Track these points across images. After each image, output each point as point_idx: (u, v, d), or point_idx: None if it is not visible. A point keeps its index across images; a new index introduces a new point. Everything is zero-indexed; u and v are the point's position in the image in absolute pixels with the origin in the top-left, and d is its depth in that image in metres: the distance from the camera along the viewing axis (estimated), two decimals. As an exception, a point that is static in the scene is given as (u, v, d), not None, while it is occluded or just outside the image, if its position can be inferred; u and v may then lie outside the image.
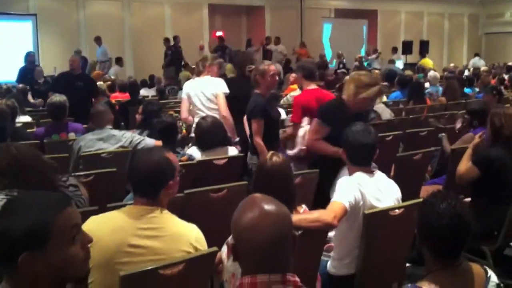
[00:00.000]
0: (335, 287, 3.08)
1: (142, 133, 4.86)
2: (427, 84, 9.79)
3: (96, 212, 2.54)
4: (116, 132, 4.66)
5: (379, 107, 6.91)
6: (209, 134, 4.38)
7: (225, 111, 5.18)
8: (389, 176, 3.30)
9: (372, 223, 2.90)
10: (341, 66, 16.47)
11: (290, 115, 5.42)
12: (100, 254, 2.20)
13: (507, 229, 3.65)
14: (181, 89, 11.00)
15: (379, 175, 3.10)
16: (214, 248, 2.36)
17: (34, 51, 11.37)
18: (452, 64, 17.08)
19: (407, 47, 19.31)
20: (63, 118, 5.43)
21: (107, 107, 5.00)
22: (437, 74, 10.98)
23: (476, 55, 18.74)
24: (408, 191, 3.52)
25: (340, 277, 3.05)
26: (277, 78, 4.88)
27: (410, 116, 6.86)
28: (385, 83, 10.40)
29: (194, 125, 4.88)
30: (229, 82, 5.53)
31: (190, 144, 4.92)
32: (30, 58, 10.79)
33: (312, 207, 3.39)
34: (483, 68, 14.38)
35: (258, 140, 4.48)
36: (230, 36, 17.68)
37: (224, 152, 4.46)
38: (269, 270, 1.64)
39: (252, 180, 2.93)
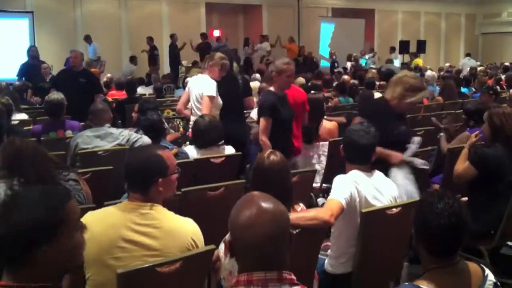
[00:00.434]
0: (332, 285, 3.08)
1: (139, 131, 4.85)
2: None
3: (93, 210, 2.54)
4: (113, 130, 4.66)
5: None
6: (206, 133, 4.36)
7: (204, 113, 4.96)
8: (386, 175, 3.31)
9: (369, 221, 2.90)
10: (336, 65, 16.50)
11: None
12: (95, 249, 2.21)
13: (504, 228, 3.66)
14: (178, 87, 11.04)
15: (376, 173, 3.11)
16: (212, 246, 2.36)
17: (36, 46, 10.81)
18: (447, 64, 17.12)
19: (404, 47, 19.34)
20: (60, 115, 5.42)
21: (106, 105, 5.00)
22: (435, 74, 11.02)
23: (467, 55, 18.76)
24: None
25: (337, 276, 3.06)
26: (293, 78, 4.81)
27: (407, 115, 6.86)
28: (383, 82, 10.43)
29: (191, 122, 4.87)
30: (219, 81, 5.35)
31: (187, 143, 4.92)
32: (33, 53, 10.26)
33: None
34: (480, 68, 14.41)
35: (263, 139, 4.36)
36: (227, 34, 17.67)
37: (221, 151, 4.46)
38: (265, 268, 1.65)
39: (250, 178, 2.93)
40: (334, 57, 17.30)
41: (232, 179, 3.87)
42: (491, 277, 2.08)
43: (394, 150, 3.71)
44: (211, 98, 5.04)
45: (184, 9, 17.13)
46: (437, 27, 23.71)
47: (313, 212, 2.80)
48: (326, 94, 8.48)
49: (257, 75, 10.44)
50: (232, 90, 5.50)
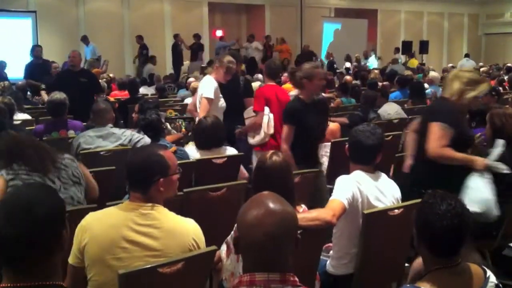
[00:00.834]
0: (334, 286, 3.08)
1: (140, 131, 4.86)
2: (426, 85, 9.79)
3: (94, 210, 2.54)
4: (116, 130, 4.66)
5: (391, 106, 6.94)
6: (208, 134, 4.34)
7: (200, 114, 5.02)
8: (388, 176, 3.31)
9: (371, 222, 2.90)
10: (334, 66, 16.50)
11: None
12: (96, 249, 2.23)
13: (506, 229, 3.65)
14: (181, 87, 11.04)
15: (379, 174, 3.11)
16: (213, 247, 2.36)
17: (40, 44, 10.69)
18: (450, 65, 17.10)
19: (406, 47, 19.32)
20: (62, 115, 5.42)
21: (108, 105, 5.00)
22: (438, 75, 11.00)
23: (466, 56, 18.73)
24: (406, 191, 3.52)
25: (338, 277, 3.06)
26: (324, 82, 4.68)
27: (410, 117, 6.86)
28: (386, 83, 10.42)
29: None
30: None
31: (189, 143, 4.92)
32: (37, 53, 10.10)
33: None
34: (482, 69, 14.38)
35: (284, 147, 4.18)
36: (230, 34, 17.69)
37: (222, 152, 4.43)
38: (268, 269, 1.65)
39: (252, 179, 2.93)
40: (331, 58, 17.27)
41: (234, 180, 3.87)
42: (492, 278, 2.09)
43: (465, 152, 3.56)
44: (208, 99, 5.05)
45: (187, 8, 17.14)
46: (440, 27, 23.68)
47: (315, 213, 2.79)
48: (329, 95, 8.48)
49: (260, 76, 10.43)
50: (232, 90, 5.53)
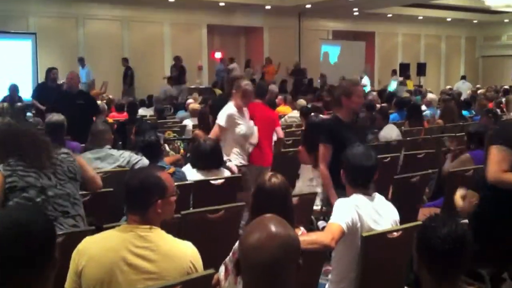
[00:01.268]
0: (333, 310, 3.05)
1: (138, 153, 4.86)
2: (423, 107, 9.84)
3: (92, 233, 2.54)
4: (114, 151, 4.66)
5: (392, 129, 6.97)
6: (206, 157, 4.43)
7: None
8: (386, 198, 3.30)
9: (369, 245, 2.88)
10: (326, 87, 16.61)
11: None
12: (95, 272, 2.21)
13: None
14: (179, 109, 11.06)
15: (377, 197, 3.09)
16: (211, 270, 2.35)
17: (56, 68, 10.36)
18: (448, 86, 17.19)
19: (404, 69, 19.44)
20: (61, 137, 5.42)
21: (107, 126, 5.01)
22: (435, 97, 11.07)
23: (462, 78, 18.86)
24: (405, 214, 3.51)
25: (337, 300, 3.03)
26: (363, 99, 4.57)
27: (408, 138, 6.88)
28: (384, 104, 10.46)
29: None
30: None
31: (188, 164, 4.91)
32: (53, 75, 9.90)
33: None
34: (480, 91, 14.46)
35: (322, 167, 4.02)
36: (228, 56, 17.79)
37: (220, 174, 4.49)
38: None
39: (251, 201, 2.92)
40: (324, 77, 17.34)
41: (232, 202, 3.86)
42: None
43: None
44: (219, 126, 5.17)
45: (186, 30, 17.28)
46: (438, 50, 23.88)
47: (314, 236, 2.78)
48: (327, 116, 8.49)
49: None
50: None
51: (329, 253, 3.07)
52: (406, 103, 9.21)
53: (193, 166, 4.51)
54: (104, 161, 4.53)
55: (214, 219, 3.42)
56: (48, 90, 9.62)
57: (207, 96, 11.47)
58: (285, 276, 1.65)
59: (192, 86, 15.19)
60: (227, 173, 4.57)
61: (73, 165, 3.23)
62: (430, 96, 10.84)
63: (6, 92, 10.88)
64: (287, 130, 7.66)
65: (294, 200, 3.49)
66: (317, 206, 4.75)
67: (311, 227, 4.50)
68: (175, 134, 7.02)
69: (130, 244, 2.25)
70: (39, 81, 13.84)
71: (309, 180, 5.12)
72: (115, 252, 2.24)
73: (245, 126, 5.21)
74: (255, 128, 5.43)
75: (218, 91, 13.13)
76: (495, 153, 3.26)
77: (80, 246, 2.30)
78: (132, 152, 4.78)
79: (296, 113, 8.96)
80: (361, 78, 17.55)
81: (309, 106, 9.05)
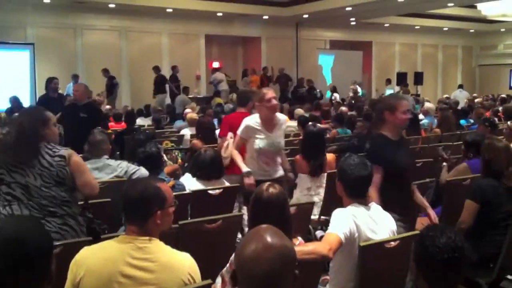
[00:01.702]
0: (331, 320, 3.04)
1: (134, 163, 4.85)
2: (421, 116, 9.86)
3: (90, 243, 2.53)
4: (112, 162, 4.65)
5: None
6: (207, 167, 4.47)
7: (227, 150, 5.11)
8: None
9: (367, 255, 2.88)
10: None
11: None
12: (93, 284, 2.20)
13: (503, 261, 3.63)
14: (177, 119, 11.06)
15: (374, 206, 3.10)
16: (208, 281, 2.34)
17: (56, 77, 9.79)
18: (445, 95, 17.24)
19: (401, 78, 19.50)
20: (58, 147, 5.41)
21: (105, 136, 5.00)
22: (433, 106, 11.08)
23: (460, 86, 18.92)
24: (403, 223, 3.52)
25: (335, 310, 3.02)
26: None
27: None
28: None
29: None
30: None
31: (186, 174, 4.92)
32: (54, 85, 9.38)
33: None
34: (477, 100, 14.51)
35: (373, 193, 3.52)
36: (226, 65, 17.86)
37: (221, 183, 4.51)
38: None
39: (248, 211, 2.92)
40: (311, 84, 17.39)
41: (229, 212, 3.86)
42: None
43: None
44: (238, 136, 4.77)
45: (184, 41, 17.34)
46: (434, 59, 23.99)
47: (311, 246, 2.78)
48: (325, 126, 8.51)
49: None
50: None
51: (327, 263, 3.06)
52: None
53: (193, 175, 4.53)
54: (102, 171, 4.53)
55: (212, 229, 3.42)
56: (50, 101, 9.07)
57: (205, 106, 11.49)
58: (282, 286, 1.65)
59: (190, 96, 15.22)
60: (227, 184, 4.58)
61: (64, 170, 3.21)
62: (427, 105, 10.86)
63: (5, 103, 10.87)
64: (285, 140, 7.65)
65: (292, 209, 3.49)
66: (314, 215, 4.74)
67: (309, 237, 4.50)
68: (173, 144, 7.03)
69: (128, 256, 2.25)
70: (37, 91, 13.87)
71: (306, 190, 5.12)
72: (113, 263, 2.23)
73: (264, 140, 4.64)
74: (231, 140, 5.20)
75: (219, 100, 13.16)
76: None
77: (78, 256, 2.29)
78: (130, 162, 4.78)
79: (293, 123, 8.97)
80: (353, 85, 17.62)
81: (307, 115, 9.07)
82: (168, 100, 14.76)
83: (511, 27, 21.76)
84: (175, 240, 3.00)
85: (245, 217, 2.67)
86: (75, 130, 6.02)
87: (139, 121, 10.43)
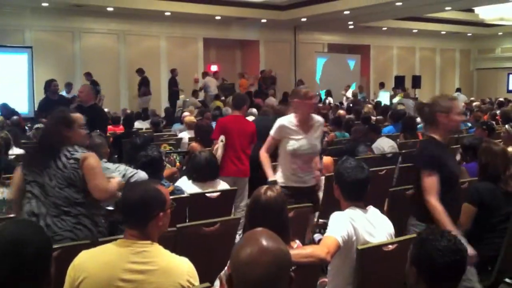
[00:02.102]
0: (329, 323, 3.04)
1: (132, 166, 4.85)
2: (419, 119, 9.85)
3: (88, 246, 2.53)
4: (110, 165, 4.64)
5: (384, 141, 6.98)
6: (203, 169, 4.49)
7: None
8: (382, 211, 3.30)
9: (365, 258, 2.88)
10: (327, 101, 16.69)
11: None
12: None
13: (501, 264, 3.64)
14: (175, 122, 11.05)
15: (372, 210, 3.10)
16: (206, 284, 2.34)
17: (55, 79, 9.81)
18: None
19: (399, 82, 19.53)
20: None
21: (103, 139, 5.00)
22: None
23: (458, 90, 18.96)
24: (401, 226, 3.52)
25: (333, 313, 3.02)
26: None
27: (403, 151, 6.90)
28: (380, 117, 10.49)
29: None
30: None
31: (183, 177, 4.93)
32: (54, 87, 9.26)
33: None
34: (475, 103, 14.54)
35: (432, 200, 3.30)
36: (224, 69, 17.87)
37: (216, 184, 4.52)
38: None
39: (246, 214, 2.92)
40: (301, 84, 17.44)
41: (227, 215, 3.86)
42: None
43: None
44: (270, 136, 4.56)
45: (182, 44, 17.34)
46: (432, 62, 24.03)
47: (309, 249, 2.78)
48: (323, 129, 8.51)
49: (254, 110, 10.50)
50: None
51: (325, 265, 3.06)
52: (401, 115, 9.24)
53: (189, 177, 4.57)
54: (100, 174, 4.52)
55: (210, 232, 3.42)
56: (51, 104, 8.82)
57: (203, 109, 11.50)
58: None
59: (188, 99, 15.23)
60: (223, 184, 4.60)
61: (76, 172, 3.24)
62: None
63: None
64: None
65: (290, 213, 3.49)
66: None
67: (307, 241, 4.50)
68: (171, 147, 7.02)
69: (127, 260, 2.25)
70: (35, 95, 13.86)
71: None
72: (113, 267, 2.23)
73: (299, 142, 4.39)
74: (221, 144, 5.48)
75: (218, 104, 13.15)
76: None
77: (76, 261, 2.29)
78: (127, 165, 4.77)
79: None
80: (346, 90, 17.64)
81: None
82: (165, 103, 14.72)
83: (508, 30, 21.81)
84: (173, 244, 3.00)
85: (217, 283, 2.65)
86: None
87: (137, 124, 10.44)
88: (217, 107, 11.67)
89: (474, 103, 14.68)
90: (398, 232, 3.18)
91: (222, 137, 5.56)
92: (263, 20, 17.45)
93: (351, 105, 14.40)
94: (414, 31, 21.27)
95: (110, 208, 3.65)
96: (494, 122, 9.12)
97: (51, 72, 14.38)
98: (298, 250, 2.79)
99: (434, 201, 3.28)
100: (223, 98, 14.52)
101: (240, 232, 3.95)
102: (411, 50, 23.22)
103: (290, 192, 4.25)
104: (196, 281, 2.31)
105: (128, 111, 12.22)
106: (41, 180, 3.26)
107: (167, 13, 15.55)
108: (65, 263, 2.27)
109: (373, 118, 9.87)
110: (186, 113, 10.27)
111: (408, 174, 5.53)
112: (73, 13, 14.93)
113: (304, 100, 4.36)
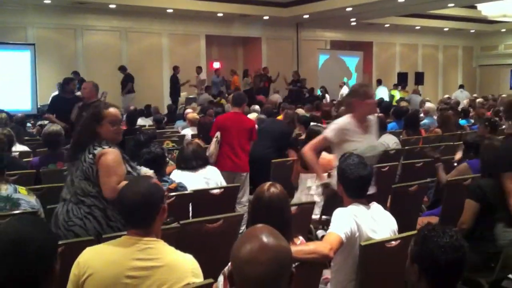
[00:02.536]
0: (332, 319, 3.04)
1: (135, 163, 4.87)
2: (422, 115, 9.86)
3: (91, 243, 2.53)
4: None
5: (389, 137, 6.98)
6: (191, 158, 4.70)
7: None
8: (385, 208, 3.30)
9: (368, 255, 2.89)
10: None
11: None
12: (97, 286, 2.21)
13: (504, 260, 3.63)
14: (178, 119, 11.06)
15: (375, 206, 3.10)
16: (210, 280, 2.35)
17: (75, 78, 9.42)
18: (446, 96, 17.24)
19: (402, 79, 19.50)
20: (58, 147, 5.42)
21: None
22: (434, 106, 11.08)
23: (460, 87, 18.91)
24: (404, 222, 3.52)
25: (336, 310, 3.02)
26: None
27: (406, 147, 6.89)
28: (381, 114, 10.46)
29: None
30: None
31: (174, 170, 4.95)
32: (72, 87, 8.56)
33: None
34: (479, 100, 14.50)
35: None
36: (227, 66, 17.87)
37: (207, 171, 4.73)
38: None
39: (249, 211, 2.92)
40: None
41: (230, 211, 3.86)
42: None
43: None
44: (323, 137, 4.22)
45: (184, 41, 17.34)
46: (435, 59, 23.97)
47: (312, 246, 2.78)
48: (325, 126, 8.51)
49: (256, 107, 10.51)
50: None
51: (328, 262, 3.07)
52: (404, 112, 9.23)
53: (178, 168, 4.75)
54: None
55: (213, 228, 3.43)
56: (63, 102, 8.21)
57: (206, 106, 11.49)
58: (280, 286, 1.64)
59: (191, 96, 15.24)
60: (212, 171, 4.77)
61: (91, 168, 3.29)
62: (428, 105, 10.86)
63: (5, 103, 10.75)
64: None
65: (293, 209, 3.49)
66: (315, 215, 4.75)
67: (310, 237, 4.51)
68: (173, 144, 7.03)
69: (133, 257, 2.25)
70: (38, 92, 13.89)
71: (307, 189, 5.13)
72: (118, 265, 2.24)
73: (361, 144, 4.03)
74: (214, 140, 5.69)
75: (221, 101, 13.16)
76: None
77: (81, 259, 2.29)
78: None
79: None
80: (341, 86, 17.59)
81: (308, 115, 9.07)
82: (168, 100, 14.70)
83: (511, 27, 21.76)
84: (177, 240, 3.00)
85: (220, 279, 2.63)
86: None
87: (140, 121, 10.44)
88: (220, 104, 11.68)
89: (478, 100, 14.63)
90: (401, 229, 3.18)
91: (217, 134, 5.74)
92: (265, 17, 17.43)
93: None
94: (417, 28, 21.23)
95: None
96: (497, 119, 9.10)
97: (54, 69, 14.44)
98: (301, 246, 2.79)
99: None
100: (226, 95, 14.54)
101: (243, 228, 3.96)
102: (413, 47, 23.18)
103: None
104: (200, 277, 2.32)
105: (132, 107, 12.20)
106: (71, 170, 3.43)
107: (169, 10, 15.55)
108: (68, 260, 2.27)
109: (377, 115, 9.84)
110: (189, 110, 10.27)
111: (413, 171, 5.55)
112: (75, 10, 14.93)
113: (365, 100, 4.04)
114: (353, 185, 3.07)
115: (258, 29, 18.54)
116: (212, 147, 5.65)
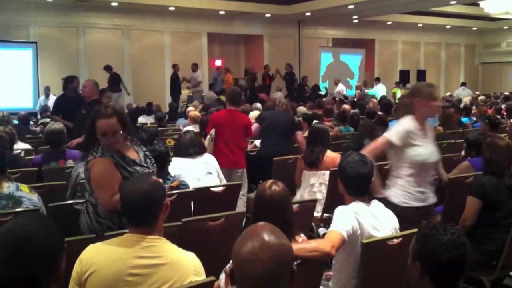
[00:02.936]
0: (334, 317, 3.05)
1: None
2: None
3: (94, 240, 2.53)
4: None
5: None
6: (187, 147, 4.85)
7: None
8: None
9: (370, 252, 2.89)
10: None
11: None
12: (99, 283, 2.21)
13: (506, 258, 3.63)
14: (180, 116, 11.06)
15: (376, 204, 3.10)
16: (211, 277, 2.35)
17: (77, 76, 8.90)
18: (448, 93, 17.23)
19: (404, 76, 19.47)
20: (60, 145, 5.43)
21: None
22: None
23: (462, 84, 18.88)
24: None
25: (338, 307, 3.02)
26: None
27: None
28: (381, 113, 10.45)
29: None
30: None
31: (174, 158, 4.97)
32: (75, 85, 8.27)
33: None
34: (480, 97, 14.49)
35: None
36: (228, 64, 17.85)
37: (204, 157, 4.90)
38: None
39: (251, 208, 2.92)
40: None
41: (232, 209, 3.86)
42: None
43: None
44: (386, 140, 3.73)
45: (186, 39, 17.34)
46: (437, 57, 23.94)
47: (314, 244, 2.78)
48: (327, 124, 8.51)
49: (258, 105, 10.52)
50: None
51: (330, 259, 3.07)
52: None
53: (176, 155, 4.86)
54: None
55: (215, 226, 3.43)
56: (68, 101, 8.08)
57: (207, 104, 11.50)
58: (281, 284, 1.63)
59: (192, 94, 15.25)
60: (209, 158, 4.92)
61: (87, 172, 3.33)
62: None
63: (7, 101, 10.73)
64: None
65: (295, 207, 3.49)
66: (317, 213, 4.75)
67: (311, 234, 4.51)
68: (175, 142, 7.02)
69: (136, 255, 2.26)
70: (40, 90, 13.89)
71: (309, 187, 5.13)
72: (121, 263, 2.24)
73: (424, 149, 3.71)
74: (208, 137, 5.82)
75: (223, 98, 13.15)
76: None
77: (83, 256, 2.29)
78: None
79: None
80: (336, 84, 17.55)
81: (310, 113, 9.07)
82: (169, 98, 14.67)
83: (514, 25, 21.74)
84: (178, 238, 3.01)
85: (222, 277, 2.63)
86: (79, 128, 6.01)
87: (141, 119, 10.45)
88: (222, 102, 11.67)
89: (480, 97, 14.62)
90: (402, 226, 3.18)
91: (212, 131, 5.88)
92: (267, 15, 17.42)
93: (355, 100, 14.38)
94: (419, 25, 21.19)
95: None
96: (499, 117, 9.09)
97: (56, 67, 14.45)
98: (302, 244, 2.79)
99: None
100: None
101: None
102: (416, 44, 23.15)
103: (411, 215, 3.55)
104: (202, 275, 2.33)
105: (134, 105, 12.23)
106: None
107: (171, 8, 15.54)
108: (70, 256, 2.27)
109: (379, 113, 9.83)
110: (190, 108, 10.28)
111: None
112: (77, 8, 14.94)
113: (429, 101, 3.68)
114: (353, 183, 3.06)
115: (260, 26, 18.53)
116: (206, 144, 5.70)
